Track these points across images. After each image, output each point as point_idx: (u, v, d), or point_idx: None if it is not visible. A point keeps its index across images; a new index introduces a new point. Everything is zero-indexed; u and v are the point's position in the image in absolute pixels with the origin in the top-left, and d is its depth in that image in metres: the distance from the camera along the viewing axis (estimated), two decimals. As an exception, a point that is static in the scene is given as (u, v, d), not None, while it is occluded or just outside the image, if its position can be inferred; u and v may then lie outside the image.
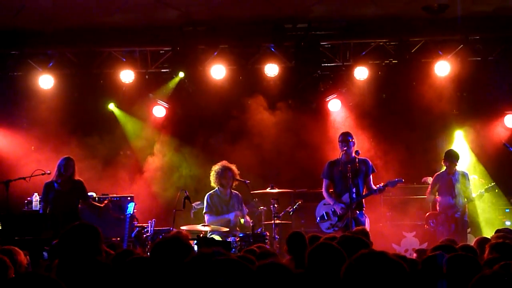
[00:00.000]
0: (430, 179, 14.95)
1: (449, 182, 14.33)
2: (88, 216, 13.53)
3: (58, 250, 6.11)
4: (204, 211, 13.85)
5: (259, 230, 13.48)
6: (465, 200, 14.29)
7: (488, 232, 13.63)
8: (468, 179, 14.51)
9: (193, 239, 11.27)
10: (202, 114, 16.72)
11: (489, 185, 14.81)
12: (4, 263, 6.89)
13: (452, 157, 14.44)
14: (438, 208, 14.44)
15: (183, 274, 4.37)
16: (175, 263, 5.42)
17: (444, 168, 14.55)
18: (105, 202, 13.91)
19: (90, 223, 6.28)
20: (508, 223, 15.31)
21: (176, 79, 16.26)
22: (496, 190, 14.89)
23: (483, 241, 8.83)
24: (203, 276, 4.13)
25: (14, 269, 6.79)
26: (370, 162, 13.54)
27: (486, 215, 15.29)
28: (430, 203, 14.64)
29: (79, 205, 13.47)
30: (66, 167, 13.29)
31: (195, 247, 10.93)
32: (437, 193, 14.48)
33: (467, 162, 16.29)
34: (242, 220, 13.83)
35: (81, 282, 5.35)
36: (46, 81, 15.83)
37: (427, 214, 14.57)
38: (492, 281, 4.33)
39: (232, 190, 13.99)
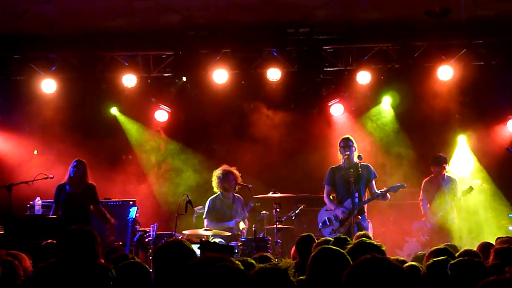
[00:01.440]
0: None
1: (438, 187, 14.40)
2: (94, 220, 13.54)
3: (56, 254, 6.12)
4: (204, 216, 13.84)
5: (261, 234, 13.48)
6: (453, 204, 14.26)
7: (491, 238, 13.56)
8: (457, 184, 14.49)
9: (195, 243, 11.27)
10: (204, 119, 16.73)
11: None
12: (14, 268, 6.93)
13: (440, 162, 14.49)
14: (424, 211, 14.58)
15: (184, 279, 4.36)
16: (177, 268, 5.41)
17: (433, 173, 14.63)
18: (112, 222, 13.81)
19: (90, 226, 6.30)
20: (511, 228, 15.26)
21: (179, 83, 16.24)
22: (472, 192, 14.60)
23: (487, 246, 8.80)
24: (203, 282, 4.11)
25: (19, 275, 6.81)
26: (372, 168, 13.54)
27: (490, 221, 15.25)
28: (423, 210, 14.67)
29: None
30: (76, 169, 13.30)
31: (198, 252, 10.92)
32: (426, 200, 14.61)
33: (470, 167, 16.27)
34: (241, 225, 13.84)
35: (79, 285, 5.35)
36: (48, 85, 15.81)
37: (414, 225, 14.74)
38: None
39: (235, 194, 13.99)
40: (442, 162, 14.52)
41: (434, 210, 14.39)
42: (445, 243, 9.47)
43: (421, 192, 14.72)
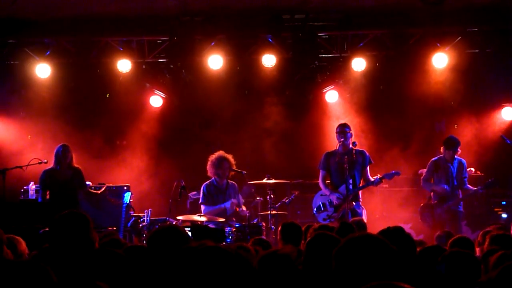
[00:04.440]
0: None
1: (447, 170, 13.92)
2: (85, 205, 13.55)
3: (49, 239, 6.12)
4: (200, 201, 13.85)
5: (255, 220, 13.50)
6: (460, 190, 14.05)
7: (484, 225, 13.55)
8: (466, 169, 14.10)
9: (187, 227, 11.31)
10: (199, 104, 16.75)
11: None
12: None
13: (455, 145, 13.88)
14: (432, 198, 14.07)
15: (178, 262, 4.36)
16: (171, 253, 5.42)
17: (442, 154, 14.07)
18: (102, 189, 13.92)
19: (83, 211, 6.29)
20: (504, 215, 15.29)
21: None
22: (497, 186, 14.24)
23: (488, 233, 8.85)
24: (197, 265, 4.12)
25: (15, 258, 6.80)
26: (367, 153, 13.54)
27: (483, 208, 15.28)
28: (428, 191, 14.16)
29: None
30: (64, 154, 13.32)
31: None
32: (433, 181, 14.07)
33: (464, 154, 16.29)
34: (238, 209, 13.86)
35: (72, 269, 5.35)
36: (43, 70, 15.78)
37: (422, 205, 14.20)
38: None
39: (229, 180, 13.99)
40: (456, 145, 13.88)
41: (452, 194, 13.88)
42: (444, 230, 9.54)
43: (425, 171, 14.20)
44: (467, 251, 6.06)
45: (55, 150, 13.48)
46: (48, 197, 13.36)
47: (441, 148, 14.14)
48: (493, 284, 4.29)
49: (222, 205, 13.63)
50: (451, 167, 13.94)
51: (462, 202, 14.05)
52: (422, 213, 14.18)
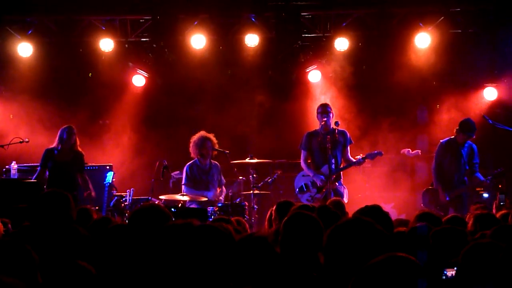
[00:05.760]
0: (408, 151, 14.89)
1: (459, 154, 13.43)
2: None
3: (29, 217, 6.13)
4: (182, 182, 13.84)
5: (237, 200, 13.52)
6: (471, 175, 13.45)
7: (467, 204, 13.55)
8: (477, 154, 13.50)
9: (170, 207, 11.32)
10: (182, 84, 16.71)
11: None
12: None
13: (472, 129, 13.29)
14: (435, 183, 13.53)
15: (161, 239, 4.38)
16: (153, 231, 5.42)
17: (453, 136, 13.52)
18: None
19: (64, 191, 6.26)
20: (486, 195, 15.33)
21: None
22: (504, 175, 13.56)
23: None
24: (182, 241, 4.14)
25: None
26: (348, 134, 13.56)
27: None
28: (436, 177, 13.53)
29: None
30: (68, 135, 13.23)
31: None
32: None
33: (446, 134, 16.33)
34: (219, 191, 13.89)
35: (53, 248, 5.36)
36: (25, 49, 15.70)
37: (425, 189, 13.73)
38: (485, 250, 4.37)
39: (212, 161, 13.98)
40: (473, 130, 13.29)
41: (449, 179, 13.48)
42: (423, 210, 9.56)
43: (435, 158, 13.66)
44: (459, 228, 6.15)
45: (59, 130, 13.40)
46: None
47: (455, 130, 13.55)
48: (460, 264, 4.37)
49: (204, 193, 13.58)
50: (462, 151, 13.44)
51: None
52: (425, 197, 13.66)
